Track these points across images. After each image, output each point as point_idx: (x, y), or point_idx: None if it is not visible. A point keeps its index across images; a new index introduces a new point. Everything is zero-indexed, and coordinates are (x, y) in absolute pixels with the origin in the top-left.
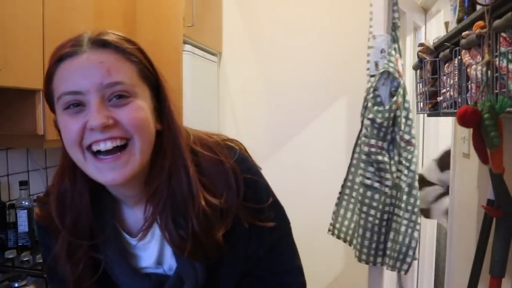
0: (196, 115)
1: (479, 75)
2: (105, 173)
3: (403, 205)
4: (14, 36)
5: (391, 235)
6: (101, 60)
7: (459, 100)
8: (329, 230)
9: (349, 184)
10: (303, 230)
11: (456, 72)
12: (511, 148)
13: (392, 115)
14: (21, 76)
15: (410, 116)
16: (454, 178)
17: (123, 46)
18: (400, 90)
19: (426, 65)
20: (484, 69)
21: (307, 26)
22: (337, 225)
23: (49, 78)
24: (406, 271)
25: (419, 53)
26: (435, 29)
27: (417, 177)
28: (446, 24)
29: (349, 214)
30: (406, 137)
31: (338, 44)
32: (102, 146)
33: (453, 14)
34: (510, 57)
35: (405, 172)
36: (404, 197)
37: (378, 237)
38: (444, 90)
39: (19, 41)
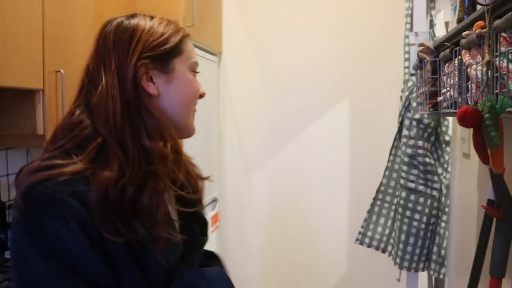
0: (196, 115)
1: (479, 75)
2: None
3: (441, 206)
4: (14, 36)
5: (437, 239)
6: None
7: (459, 100)
8: (357, 239)
9: (382, 188)
10: (303, 233)
11: (456, 72)
12: (511, 148)
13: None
14: (21, 76)
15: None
16: (454, 178)
17: None
18: None
19: (426, 65)
20: (484, 69)
21: (307, 26)
22: (369, 233)
23: (184, 40)
24: (444, 274)
25: (419, 53)
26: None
27: (451, 177)
28: (446, 24)
29: (382, 220)
30: (446, 138)
31: (340, 45)
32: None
33: (453, 14)
34: (510, 57)
35: (443, 173)
36: (443, 199)
37: (423, 242)
38: (444, 90)
39: (19, 41)
